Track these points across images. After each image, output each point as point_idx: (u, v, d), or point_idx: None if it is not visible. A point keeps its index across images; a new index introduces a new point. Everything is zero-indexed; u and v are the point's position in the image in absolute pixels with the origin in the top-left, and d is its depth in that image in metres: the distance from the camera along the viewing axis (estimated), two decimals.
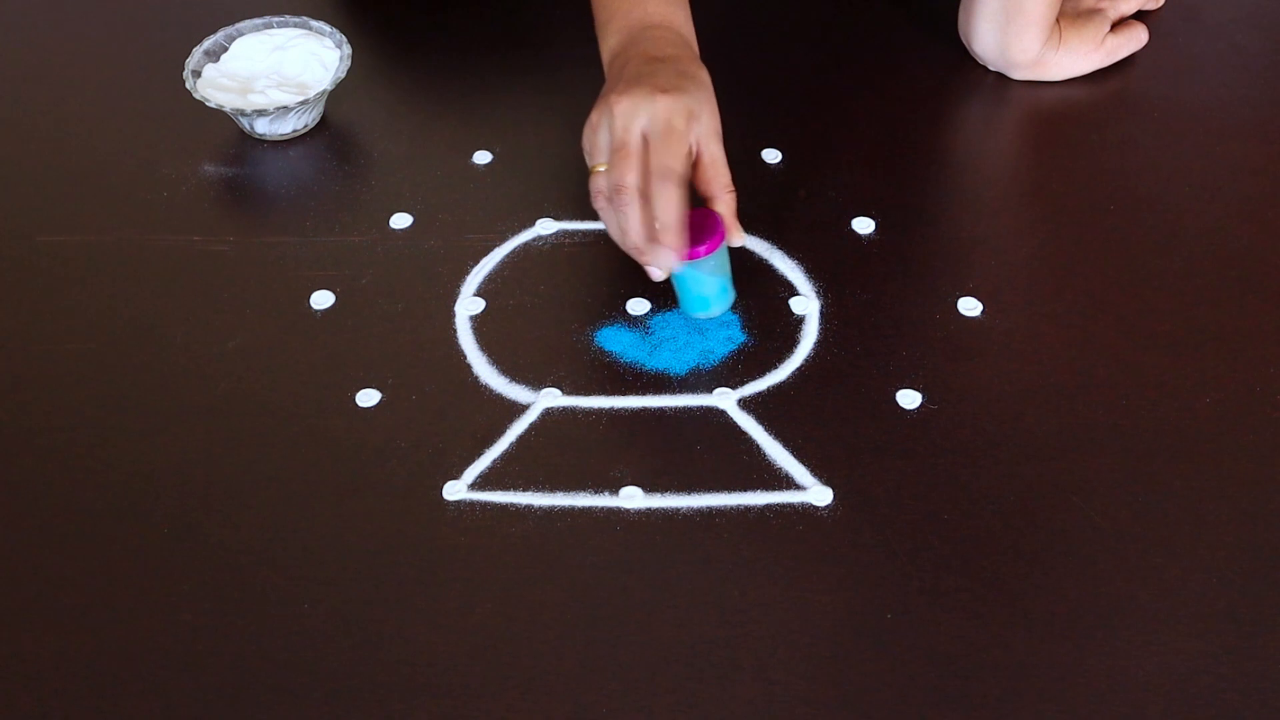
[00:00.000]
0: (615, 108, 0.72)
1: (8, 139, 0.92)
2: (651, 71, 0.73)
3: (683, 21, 0.79)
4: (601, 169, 0.72)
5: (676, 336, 0.78)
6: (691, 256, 0.73)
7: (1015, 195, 0.89)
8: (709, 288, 0.76)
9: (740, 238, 0.75)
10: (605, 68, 0.78)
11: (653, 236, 0.72)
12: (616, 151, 0.72)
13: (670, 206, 0.71)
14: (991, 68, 0.94)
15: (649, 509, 0.70)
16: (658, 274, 0.73)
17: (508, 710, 0.62)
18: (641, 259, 0.73)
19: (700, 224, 0.73)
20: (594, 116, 0.73)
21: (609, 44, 0.78)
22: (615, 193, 0.71)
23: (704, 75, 0.75)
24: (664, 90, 0.72)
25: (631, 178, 0.71)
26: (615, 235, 0.73)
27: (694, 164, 0.73)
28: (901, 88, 0.94)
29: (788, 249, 0.83)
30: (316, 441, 0.73)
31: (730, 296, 0.77)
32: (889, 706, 0.62)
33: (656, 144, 0.71)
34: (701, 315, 0.77)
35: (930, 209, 0.86)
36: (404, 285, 0.81)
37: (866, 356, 0.77)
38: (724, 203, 0.74)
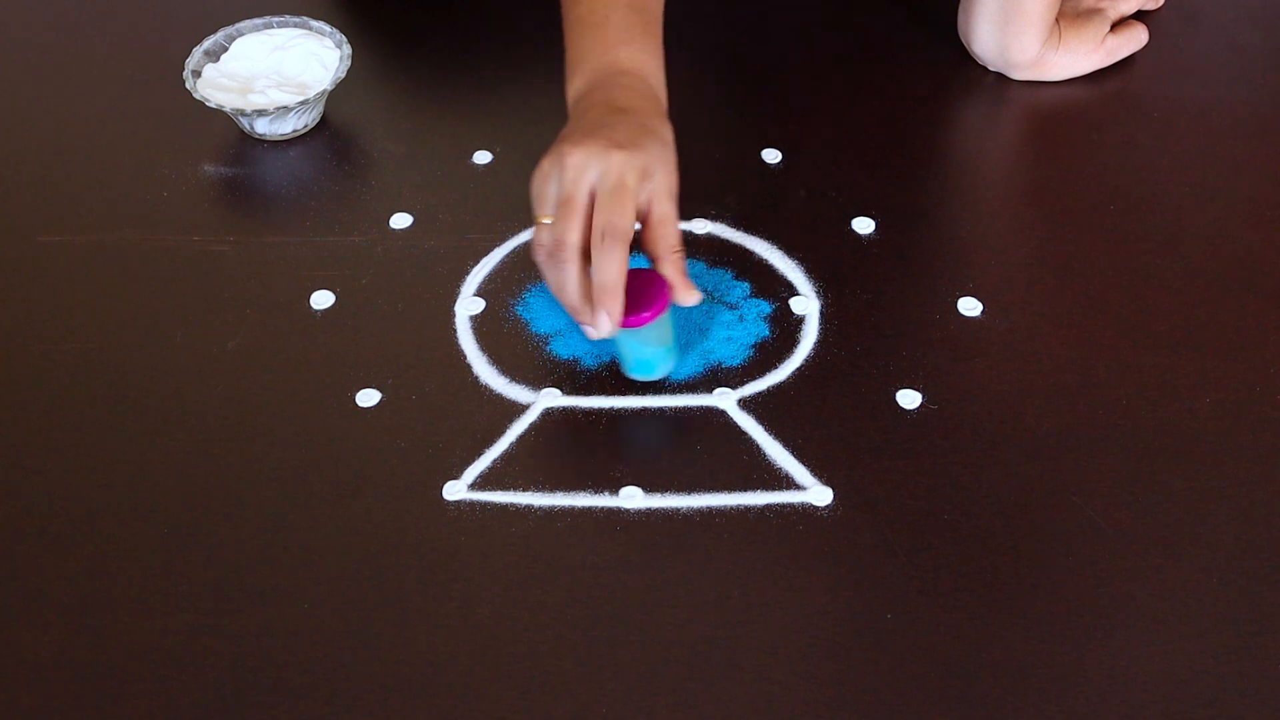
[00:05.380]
0: (567, 159, 0.69)
1: (8, 139, 0.92)
2: (611, 124, 0.70)
3: (653, 70, 0.76)
4: (546, 221, 0.69)
5: (677, 337, 0.78)
6: (633, 324, 0.70)
7: (1015, 195, 0.89)
8: (650, 353, 0.74)
9: (691, 297, 0.71)
10: (569, 108, 0.75)
11: (590, 297, 0.69)
12: (563, 205, 0.68)
13: (611, 268, 0.68)
14: (991, 68, 0.94)
15: (649, 509, 0.70)
16: (593, 334, 0.70)
17: (508, 710, 0.62)
18: (577, 318, 0.70)
19: (645, 287, 0.71)
20: (545, 164, 0.70)
21: (575, 85, 0.75)
22: (556, 248, 0.68)
23: (666, 132, 0.72)
24: (619, 145, 0.68)
25: (573, 236, 0.68)
26: (553, 291, 0.70)
27: (643, 222, 0.71)
28: (901, 88, 0.94)
29: (788, 249, 0.83)
30: (316, 441, 0.73)
31: (673, 361, 0.75)
32: (889, 706, 0.62)
33: (604, 201, 0.68)
34: (641, 378, 0.75)
35: (930, 209, 0.86)
36: (404, 285, 0.81)
37: (866, 356, 0.77)
38: (670, 264, 0.70)
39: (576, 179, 0.68)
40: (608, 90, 0.73)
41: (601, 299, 0.68)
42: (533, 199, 0.71)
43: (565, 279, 0.69)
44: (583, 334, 0.76)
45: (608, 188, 0.68)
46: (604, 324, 0.69)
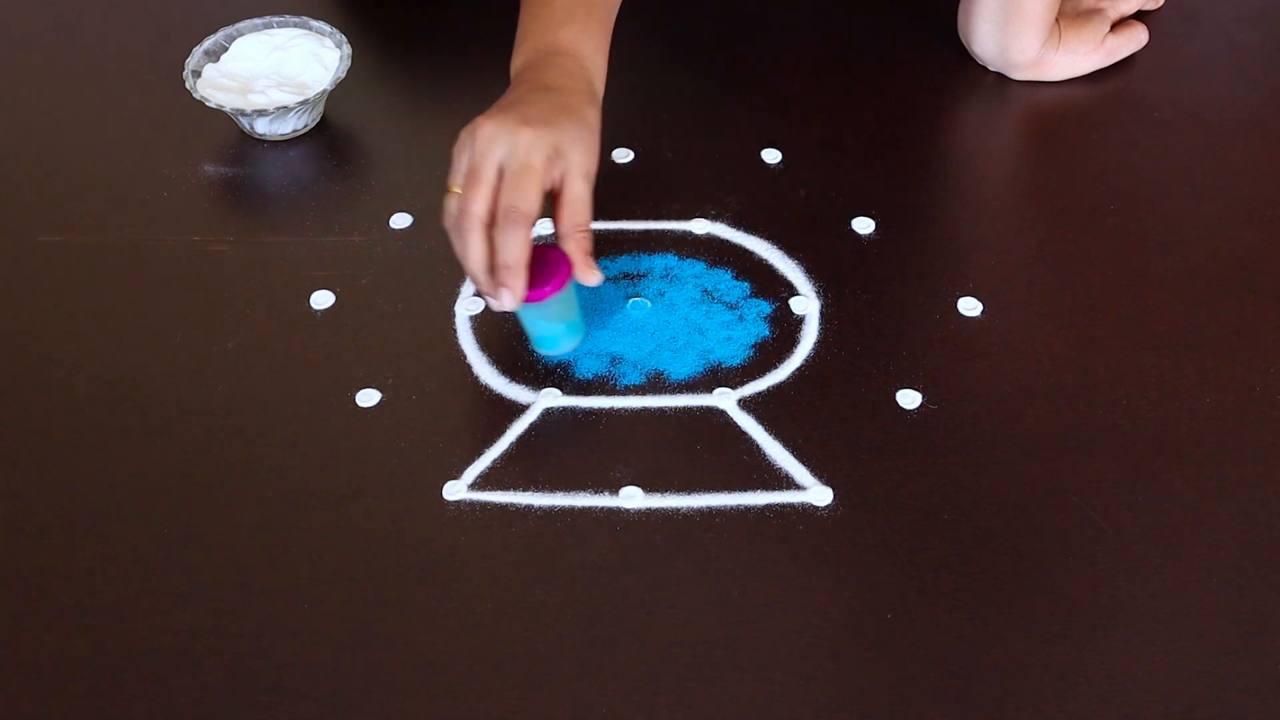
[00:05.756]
0: (478, 132, 0.69)
1: (8, 139, 0.92)
2: (529, 101, 0.71)
3: (590, 53, 0.76)
4: (456, 190, 0.70)
5: (676, 337, 0.78)
6: (534, 299, 0.70)
7: (1015, 195, 0.89)
8: (552, 329, 0.74)
9: (593, 277, 0.72)
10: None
11: (494, 271, 0.70)
12: (470, 177, 0.69)
13: (512, 247, 0.68)
14: (991, 68, 0.94)
15: (649, 509, 0.70)
16: (496, 306, 0.71)
17: (508, 710, 0.62)
18: (480, 289, 0.71)
19: (549, 261, 0.71)
20: (462, 134, 0.71)
21: (515, 63, 0.76)
22: (460, 218, 0.69)
23: (590, 113, 0.72)
24: (530, 123, 0.69)
25: (477, 207, 0.69)
26: (459, 259, 0.71)
27: (555, 198, 0.71)
28: (901, 88, 0.94)
29: (788, 249, 0.83)
30: (316, 441, 0.73)
31: (579, 335, 0.76)
32: (889, 706, 0.62)
33: (508, 181, 0.69)
34: (549, 353, 0.76)
35: (930, 209, 0.86)
36: (404, 285, 0.81)
37: (866, 356, 0.77)
38: (574, 241, 0.71)
39: (485, 152, 0.69)
40: (539, 69, 0.74)
41: (503, 276, 0.69)
42: (452, 163, 0.71)
43: (468, 250, 0.70)
44: (582, 338, 0.77)
45: (514, 168, 0.69)
46: (505, 299, 0.70)
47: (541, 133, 0.69)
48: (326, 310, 0.80)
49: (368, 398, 0.75)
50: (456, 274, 0.81)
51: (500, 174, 0.69)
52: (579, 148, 0.70)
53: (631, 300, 0.80)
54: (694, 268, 0.81)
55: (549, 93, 0.72)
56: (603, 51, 0.77)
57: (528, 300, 0.70)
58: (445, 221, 0.71)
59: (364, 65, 0.95)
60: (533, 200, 0.69)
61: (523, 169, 0.69)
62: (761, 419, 0.74)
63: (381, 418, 0.74)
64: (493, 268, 0.70)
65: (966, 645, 0.64)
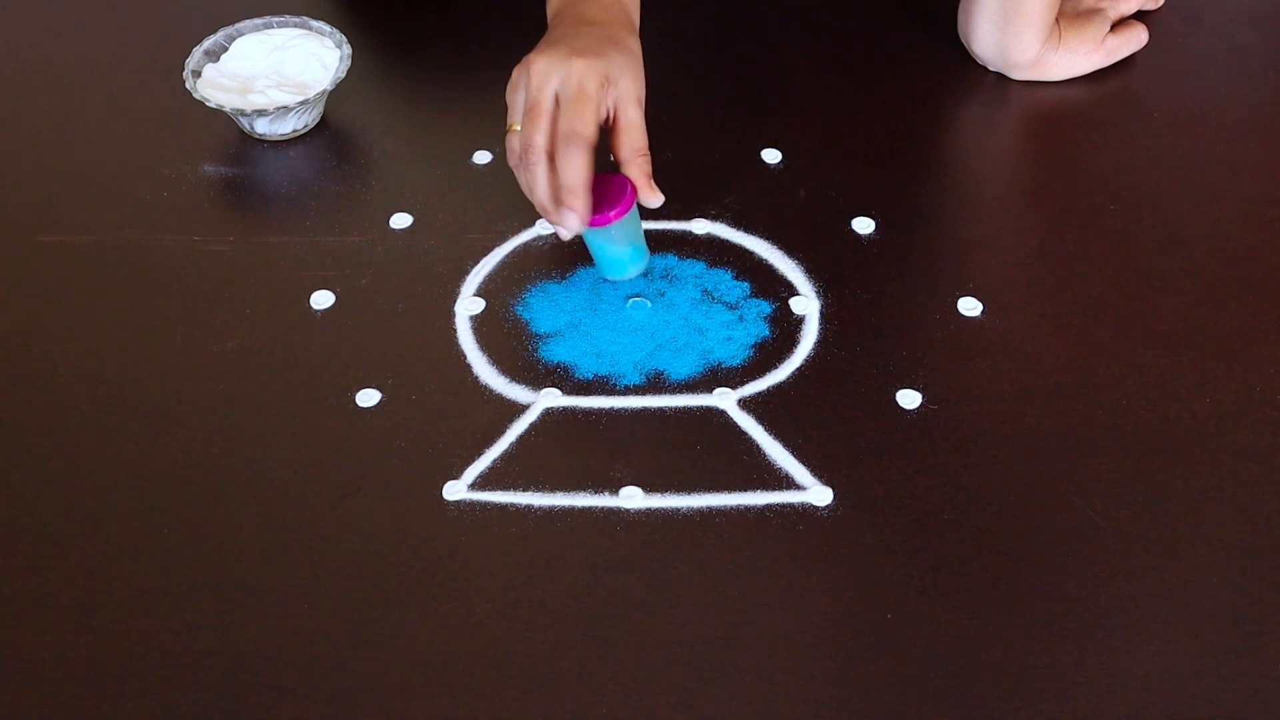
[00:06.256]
0: (532, 68, 0.73)
1: (8, 139, 0.92)
2: (575, 34, 0.75)
3: None
4: (516, 128, 0.74)
5: (677, 337, 0.78)
6: (600, 222, 0.74)
7: (1015, 195, 0.89)
8: (619, 252, 0.77)
9: (655, 198, 0.75)
10: (548, 26, 0.80)
11: (559, 198, 0.73)
12: (528, 112, 0.73)
13: (573, 169, 0.71)
14: (991, 68, 0.94)
15: (649, 509, 0.70)
16: (565, 234, 0.74)
17: (508, 710, 0.62)
18: (548, 219, 0.74)
19: (612, 187, 0.74)
20: (515, 74, 0.75)
21: (551, 5, 0.80)
22: (524, 152, 0.72)
23: (632, 42, 0.76)
24: (580, 53, 0.73)
25: (539, 139, 0.72)
26: (525, 192, 0.74)
27: (610, 128, 0.74)
28: (901, 88, 0.94)
29: (788, 249, 0.83)
30: (316, 441, 0.73)
31: (644, 259, 0.78)
32: (889, 706, 0.62)
33: (565, 107, 0.72)
34: (616, 278, 0.79)
35: (930, 209, 0.86)
36: (404, 285, 0.81)
37: (866, 356, 0.77)
38: (635, 165, 0.74)
39: (541, 86, 0.72)
40: (578, 5, 0.78)
41: (567, 199, 0.72)
42: (508, 108, 0.75)
43: (535, 180, 0.73)
44: (580, 336, 0.77)
45: (569, 94, 0.72)
46: (571, 221, 0.73)
47: (592, 62, 0.72)
48: (326, 310, 0.80)
49: (368, 398, 0.75)
50: (456, 274, 0.81)
51: (556, 104, 0.72)
52: (628, 74, 0.74)
53: (631, 300, 0.80)
54: (694, 268, 0.81)
55: (592, 26, 0.75)
56: None
57: (593, 224, 0.73)
58: (510, 160, 0.74)
59: (364, 65, 0.95)
60: (590, 124, 0.72)
61: (578, 95, 0.72)
62: (761, 419, 0.74)
63: (381, 418, 0.74)
64: (556, 196, 0.72)
65: (966, 645, 0.64)
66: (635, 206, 0.75)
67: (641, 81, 0.75)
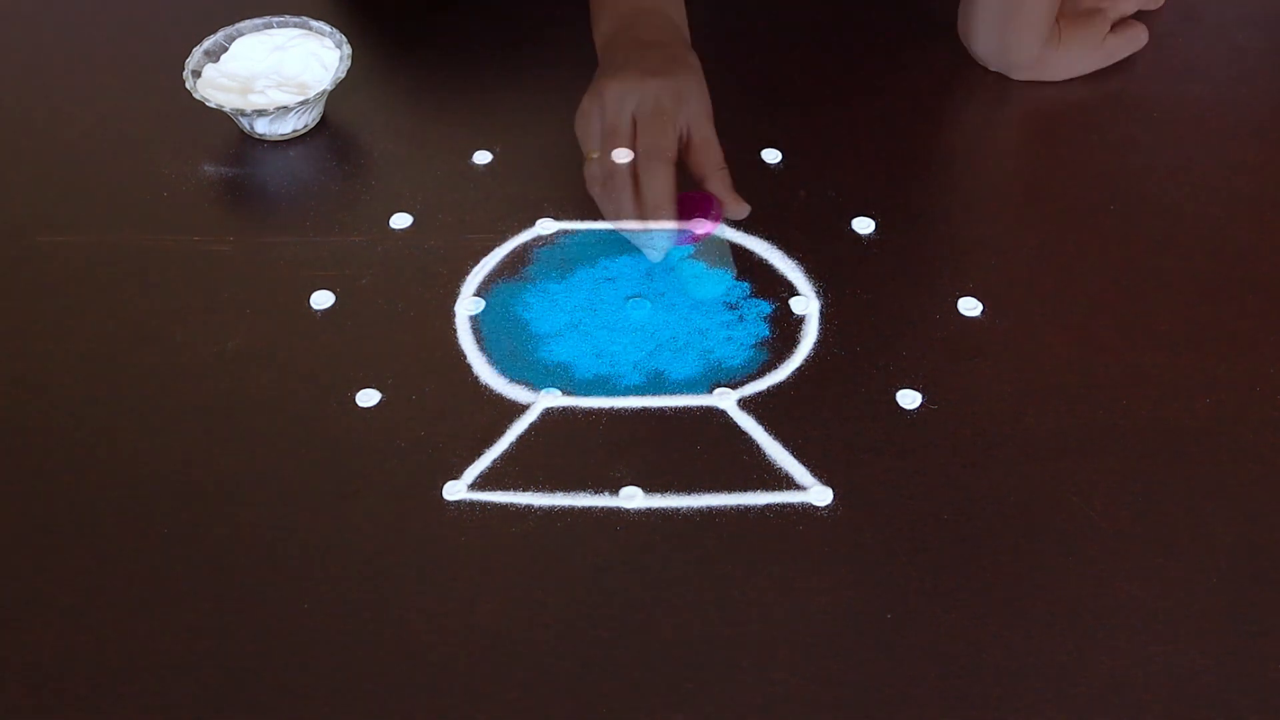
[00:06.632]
0: (605, 93, 0.73)
1: (8, 139, 0.92)
2: (640, 56, 0.75)
3: (674, 8, 0.80)
4: (595, 156, 0.74)
5: (677, 337, 0.78)
6: (690, 240, 0.74)
7: (1015, 195, 0.89)
8: (708, 269, 0.78)
9: (741, 208, 0.76)
10: (599, 54, 0.80)
11: (647, 217, 0.73)
12: (609, 135, 0.73)
13: (660, 185, 0.72)
14: (991, 68, 0.94)
15: (649, 509, 0.70)
16: (655, 255, 0.75)
17: (508, 710, 0.62)
18: (637, 242, 0.75)
19: (696, 205, 0.75)
20: (585, 104, 0.75)
21: (601, 29, 0.80)
22: (608, 176, 0.73)
23: (693, 60, 0.77)
24: (652, 74, 0.73)
25: (623, 160, 0.73)
26: (611, 219, 0.75)
27: (685, 146, 0.75)
28: (901, 88, 0.94)
29: (788, 249, 0.83)
30: (316, 441, 0.73)
31: (731, 275, 0.79)
32: (889, 706, 0.62)
33: (645, 125, 0.73)
34: (708, 297, 0.79)
35: (930, 209, 0.86)
36: (404, 285, 0.81)
37: (866, 356, 0.77)
38: (717, 179, 0.75)
39: (618, 109, 0.73)
40: (633, 29, 0.78)
41: (657, 214, 0.73)
42: (579, 138, 0.75)
43: (621, 206, 0.73)
44: (580, 336, 0.77)
45: (647, 112, 0.73)
46: (662, 240, 0.74)
47: (665, 81, 0.74)
48: (326, 310, 0.80)
49: (367, 398, 0.75)
50: (456, 274, 0.81)
51: (634, 127, 0.73)
52: (695, 93, 0.75)
53: (631, 300, 0.80)
54: (694, 268, 0.81)
55: (654, 47, 0.76)
56: (682, 6, 0.81)
57: (684, 241, 0.75)
58: (590, 189, 0.75)
59: (364, 65, 0.95)
60: (671, 140, 0.73)
61: (656, 113, 0.73)
62: (761, 419, 0.74)
63: (381, 418, 0.74)
64: (643, 215, 0.73)
65: (966, 645, 0.64)
66: (721, 222, 0.76)
67: (708, 99, 0.76)
